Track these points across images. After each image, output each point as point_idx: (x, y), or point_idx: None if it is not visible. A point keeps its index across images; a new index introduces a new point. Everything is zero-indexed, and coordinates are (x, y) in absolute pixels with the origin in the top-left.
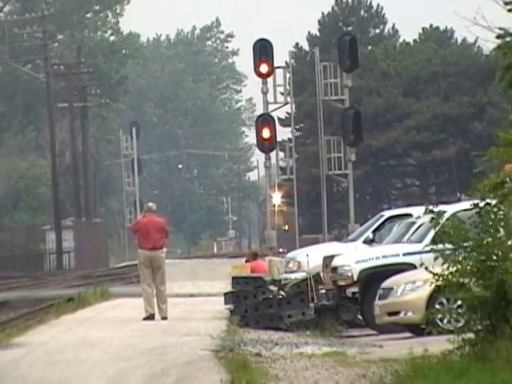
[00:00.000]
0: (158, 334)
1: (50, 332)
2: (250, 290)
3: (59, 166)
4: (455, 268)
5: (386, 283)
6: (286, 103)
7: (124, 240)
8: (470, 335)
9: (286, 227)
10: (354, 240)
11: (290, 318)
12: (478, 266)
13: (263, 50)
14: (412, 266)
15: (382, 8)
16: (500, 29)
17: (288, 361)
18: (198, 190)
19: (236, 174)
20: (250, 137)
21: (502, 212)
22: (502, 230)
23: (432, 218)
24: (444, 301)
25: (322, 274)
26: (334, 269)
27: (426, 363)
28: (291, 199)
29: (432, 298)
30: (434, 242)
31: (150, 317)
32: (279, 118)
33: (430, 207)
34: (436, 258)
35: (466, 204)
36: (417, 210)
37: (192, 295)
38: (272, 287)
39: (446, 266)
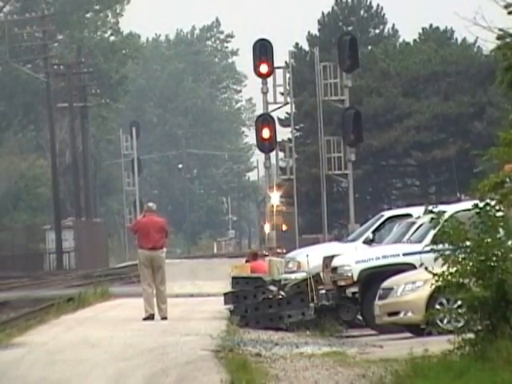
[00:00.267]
0: (158, 334)
1: (50, 332)
2: (250, 290)
3: (59, 165)
4: (455, 268)
5: (386, 283)
6: (286, 103)
7: (124, 240)
8: (470, 335)
9: (285, 227)
10: (354, 240)
11: (289, 318)
12: (478, 266)
13: (263, 50)
14: (412, 266)
15: (382, 8)
16: (499, 30)
17: (288, 361)
18: (197, 190)
19: (236, 173)
20: (250, 137)
21: (501, 212)
22: (501, 230)
23: (432, 219)
24: (444, 301)
25: (321, 274)
26: (334, 269)
27: (426, 363)
28: (291, 199)
29: (432, 298)
30: (433, 242)
31: (150, 317)
32: (279, 118)
33: (430, 207)
34: (436, 259)
35: (466, 204)
36: (417, 210)
37: (192, 295)
38: (272, 287)
39: (445, 266)
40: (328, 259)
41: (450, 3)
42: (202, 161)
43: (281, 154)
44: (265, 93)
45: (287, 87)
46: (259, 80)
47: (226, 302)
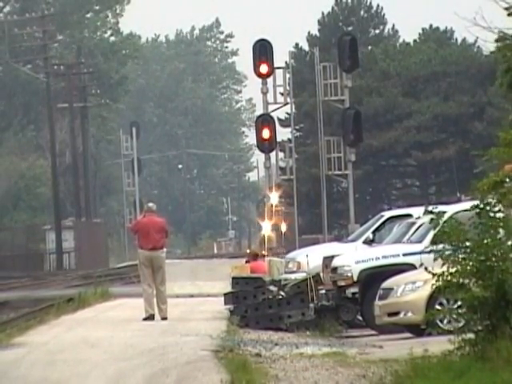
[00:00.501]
0: (158, 335)
1: (50, 332)
2: (250, 291)
3: (59, 165)
4: (455, 268)
5: (386, 283)
6: (286, 103)
7: (124, 240)
8: (470, 335)
9: (284, 228)
10: (353, 240)
11: (289, 319)
12: (478, 267)
13: (263, 50)
14: (412, 267)
15: (382, 8)
16: (499, 32)
17: (288, 361)
18: (197, 190)
19: (236, 174)
20: (250, 137)
21: (501, 213)
22: (501, 230)
23: (432, 219)
24: (444, 301)
25: (321, 275)
26: (334, 269)
27: (426, 363)
28: (291, 199)
29: (432, 299)
30: (433, 242)
31: (150, 317)
32: (279, 119)
33: (430, 208)
34: (436, 259)
35: (466, 204)
36: (417, 211)
37: (192, 295)
38: (272, 287)
39: (445, 266)
40: (328, 259)
41: (450, 3)
42: (202, 161)
43: (281, 155)
44: (265, 93)
45: (287, 87)
46: (259, 80)
47: (225, 303)
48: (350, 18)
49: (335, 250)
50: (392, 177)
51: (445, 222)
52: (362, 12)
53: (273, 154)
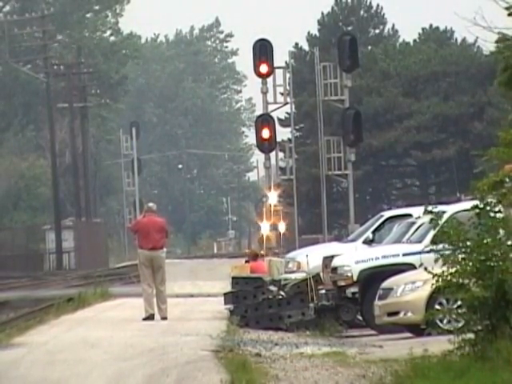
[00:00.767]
0: (158, 334)
1: (50, 332)
2: (250, 291)
3: (59, 165)
4: (455, 268)
5: (386, 283)
6: (286, 103)
7: (124, 240)
8: (470, 335)
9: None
10: (353, 240)
11: (289, 319)
12: (478, 267)
13: (263, 50)
14: (412, 267)
15: (382, 8)
16: (499, 33)
17: (288, 361)
18: (197, 190)
19: (236, 174)
20: (250, 137)
21: (501, 213)
22: (501, 230)
23: (431, 219)
24: (444, 301)
25: (321, 275)
26: (334, 269)
27: (426, 363)
28: (291, 199)
29: (432, 299)
30: (433, 242)
31: (150, 317)
32: (279, 118)
33: (430, 207)
34: (436, 259)
35: (466, 204)
36: (417, 210)
37: (192, 295)
38: (272, 287)
39: (445, 266)
40: (328, 259)
41: (450, 3)
42: (202, 161)
43: (281, 154)
44: (265, 93)
45: (287, 87)
46: (259, 80)
47: (225, 302)
48: (349, 18)
49: (335, 250)
50: (392, 177)
51: (445, 221)
52: (361, 12)
53: (273, 154)
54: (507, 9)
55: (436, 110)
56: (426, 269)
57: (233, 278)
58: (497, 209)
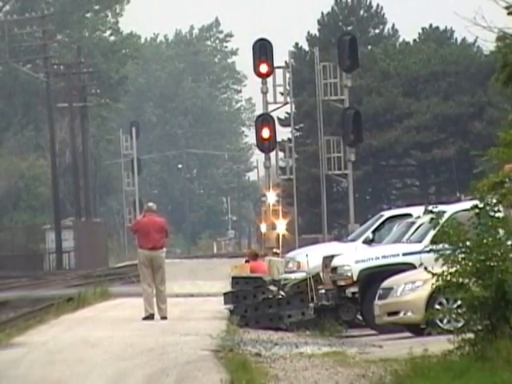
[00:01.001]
0: (158, 334)
1: (49, 332)
2: (250, 290)
3: (59, 165)
4: (455, 268)
5: (386, 283)
6: (286, 103)
7: (124, 240)
8: (470, 335)
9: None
10: (353, 240)
11: (289, 318)
12: (478, 266)
13: (263, 49)
14: (412, 266)
15: (382, 8)
16: (499, 31)
17: (288, 361)
18: (197, 190)
19: (236, 173)
20: (250, 137)
21: (501, 213)
22: (501, 230)
23: (431, 219)
24: (444, 301)
25: (321, 274)
26: (334, 269)
27: (426, 363)
28: (291, 199)
29: (432, 298)
30: (433, 242)
31: (150, 317)
32: (279, 118)
33: (430, 207)
34: (436, 259)
35: (465, 204)
36: (416, 210)
37: (192, 295)
38: (272, 287)
39: (445, 266)
40: (328, 259)
41: (450, 3)
42: (202, 161)
43: (281, 154)
44: (264, 93)
45: (287, 87)
46: (259, 80)
47: (225, 302)
48: (349, 18)
49: (335, 250)
50: (392, 177)
51: (444, 221)
52: (361, 12)
53: (273, 154)
54: (507, 8)
55: (436, 109)
56: (425, 268)
57: (233, 277)
58: (496, 209)
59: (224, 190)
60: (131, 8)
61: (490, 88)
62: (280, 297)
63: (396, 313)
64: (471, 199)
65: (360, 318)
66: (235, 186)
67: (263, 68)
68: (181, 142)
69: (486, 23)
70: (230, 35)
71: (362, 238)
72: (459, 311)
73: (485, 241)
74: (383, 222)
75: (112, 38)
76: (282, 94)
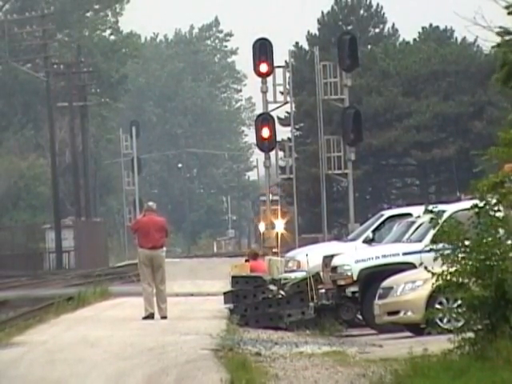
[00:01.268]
0: (158, 333)
1: (49, 331)
2: (250, 290)
3: (59, 165)
4: (455, 268)
5: (386, 283)
6: (286, 102)
7: (124, 239)
8: (470, 335)
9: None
10: (353, 239)
11: (289, 318)
12: (478, 266)
13: (263, 49)
14: (412, 266)
15: (382, 7)
16: (500, 27)
17: (288, 360)
18: (197, 190)
19: (236, 173)
20: (250, 136)
21: (500, 212)
22: (501, 229)
23: (431, 218)
24: (444, 300)
25: (321, 274)
26: (334, 268)
27: (426, 362)
28: (291, 199)
29: (432, 298)
30: (433, 241)
31: (150, 316)
32: (279, 118)
33: (430, 207)
34: (435, 258)
35: (465, 204)
36: (417, 210)
37: (192, 294)
38: (272, 287)
39: (445, 265)
40: (328, 258)
41: (450, 3)
42: (202, 160)
43: (280, 154)
44: (264, 92)
45: (287, 86)
46: (259, 79)
47: (225, 302)
48: (349, 17)
49: (335, 249)
50: (392, 176)
51: (444, 221)
52: (361, 11)
53: (272, 153)
54: (507, 8)
55: (436, 109)
56: (426, 268)
57: (233, 277)
58: (496, 208)
59: (224, 190)
60: (131, 7)
61: (490, 87)
62: (280, 296)
63: (396, 312)
64: (471, 199)
65: (360, 317)
66: (235, 186)
67: (263, 67)
68: (181, 141)
69: (486, 23)
70: (230, 34)
71: (362, 238)
72: (459, 311)
73: (484, 240)
74: (383, 222)
75: (112, 37)
76: (281, 93)
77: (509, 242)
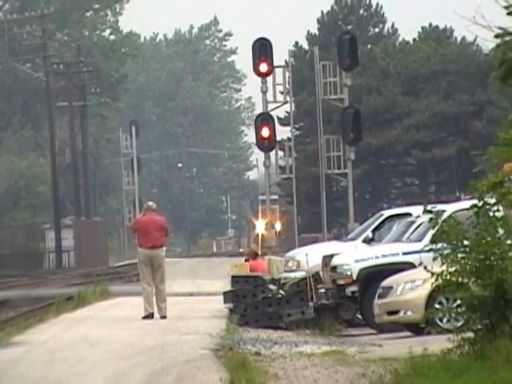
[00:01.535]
0: (158, 333)
1: (49, 331)
2: (250, 289)
3: (59, 164)
4: (454, 267)
5: (386, 282)
6: (286, 102)
7: (123, 239)
8: (470, 334)
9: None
10: (353, 239)
11: (289, 317)
12: (477, 266)
13: (263, 49)
14: (411, 265)
15: (382, 7)
16: (499, 28)
17: (287, 360)
18: (197, 189)
19: (235, 172)
20: (250, 136)
21: (500, 212)
22: (500, 229)
23: (431, 218)
24: (443, 300)
25: (321, 273)
26: (334, 268)
27: (426, 362)
28: (290, 198)
29: (431, 297)
30: (433, 241)
31: (150, 316)
32: (279, 117)
33: (429, 206)
34: (435, 258)
35: (465, 203)
36: (416, 209)
37: (191, 294)
38: (271, 286)
39: (445, 265)
40: (327, 258)
41: (450, 2)
42: (202, 160)
43: (280, 153)
44: (264, 92)
45: (287, 86)
46: (259, 79)
47: (225, 301)
48: (349, 17)
49: (335, 249)
50: (391, 176)
51: (444, 221)
52: (361, 11)
53: (272, 153)
54: (506, 8)
55: (436, 108)
56: (425, 268)
57: (232, 276)
58: (496, 208)
59: (224, 189)
60: (131, 7)
61: (489, 87)
62: (280, 296)
63: (396, 312)
64: (471, 198)
65: (360, 317)
66: (235, 185)
67: (263, 67)
68: (181, 140)
69: (486, 22)
70: (230, 34)
71: (362, 237)
72: (459, 310)
73: (484, 240)
74: (383, 221)
75: (112, 36)
76: (281, 93)
77: (508, 241)
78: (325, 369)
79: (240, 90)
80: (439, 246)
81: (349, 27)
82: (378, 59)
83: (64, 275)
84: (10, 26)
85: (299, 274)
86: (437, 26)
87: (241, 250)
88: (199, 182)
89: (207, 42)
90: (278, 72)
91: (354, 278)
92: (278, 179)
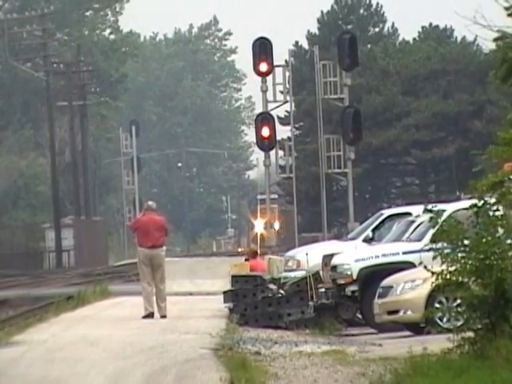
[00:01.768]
0: (158, 333)
1: (49, 330)
2: (250, 289)
3: (59, 164)
4: (454, 267)
5: (386, 282)
6: (286, 102)
7: (123, 238)
8: (470, 334)
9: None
10: (353, 238)
11: (289, 317)
12: (477, 265)
13: (263, 48)
14: (411, 265)
15: (382, 6)
16: (498, 31)
17: (287, 359)
18: (197, 189)
19: (235, 172)
20: (250, 135)
21: (500, 211)
22: (500, 228)
23: (431, 217)
24: (443, 299)
25: (321, 273)
26: (334, 267)
27: (426, 362)
28: (290, 198)
29: (431, 297)
30: (433, 240)
31: (150, 315)
32: (279, 117)
33: (429, 206)
34: (435, 257)
35: (465, 203)
36: (416, 209)
37: (191, 293)
38: (271, 286)
39: (445, 264)
40: (327, 258)
41: (450, 2)
42: (202, 159)
43: (280, 153)
44: (264, 91)
45: (287, 86)
46: (259, 78)
47: (225, 301)
48: (349, 17)
49: (335, 249)
50: (391, 175)
51: (444, 220)
52: (361, 10)
53: (272, 153)
54: (507, 9)
55: (435, 108)
56: (425, 267)
57: (232, 276)
58: (495, 207)
59: (224, 189)
60: (131, 6)
61: (489, 86)
62: (280, 295)
63: (396, 311)
64: (471, 198)
65: (360, 316)
66: (235, 185)
67: (263, 66)
68: (180, 140)
69: (486, 22)
70: (229, 33)
71: (362, 237)
72: (459, 310)
73: (484, 239)
74: (383, 221)
75: (112, 36)
76: (281, 92)
77: (508, 241)
78: (325, 368)
79: (240, 90)
80: (439, 245)
81: (349, 27)
82: (378, 59)
83: (64, 275)
84: (10, 25)
85: (299, 274)
86: (437, 26)
87: (239, 250)
88: (199, 181)
89: (207, 41)
90: (278, 71)
91: (354, 277)
92: (278, 179)
